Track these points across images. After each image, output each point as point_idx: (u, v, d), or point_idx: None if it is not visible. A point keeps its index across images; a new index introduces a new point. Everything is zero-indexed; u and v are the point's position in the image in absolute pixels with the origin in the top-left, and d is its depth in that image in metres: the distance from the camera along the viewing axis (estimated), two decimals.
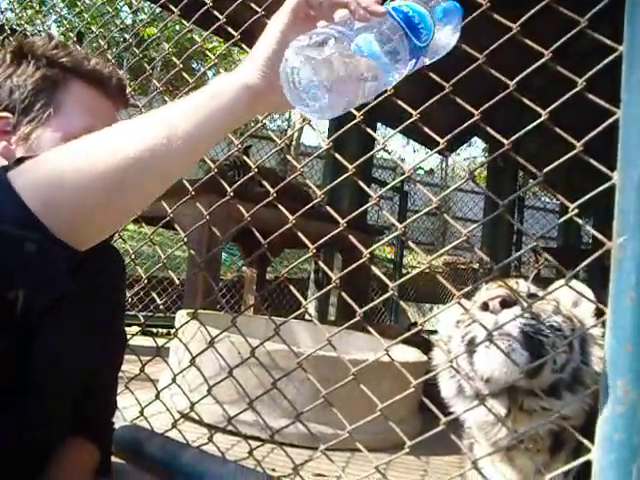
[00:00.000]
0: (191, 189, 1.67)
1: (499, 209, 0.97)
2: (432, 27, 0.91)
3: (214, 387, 1.54)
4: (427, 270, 1.18)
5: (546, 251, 1.15)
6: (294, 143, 11.75)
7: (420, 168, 13.76)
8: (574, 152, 0.89)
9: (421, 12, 0.90)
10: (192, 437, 1.58)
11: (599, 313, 1.10)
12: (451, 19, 0.95)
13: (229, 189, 1.54)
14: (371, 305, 1.28)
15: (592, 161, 0.89)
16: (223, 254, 6.02)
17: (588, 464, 1.03)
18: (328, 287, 1.53)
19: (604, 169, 0.86)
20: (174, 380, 1.64)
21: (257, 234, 1.45)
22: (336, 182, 1.43)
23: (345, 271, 1.29)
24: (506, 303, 1.04)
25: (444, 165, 15.58)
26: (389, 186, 1.81)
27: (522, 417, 1.13)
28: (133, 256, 1.95)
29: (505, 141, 0.98)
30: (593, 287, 1.11)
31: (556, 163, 0.91)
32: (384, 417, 1.15)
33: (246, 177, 1.58)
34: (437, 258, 9.67)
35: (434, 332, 1.38)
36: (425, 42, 0.90)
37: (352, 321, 1.18)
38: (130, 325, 3.30)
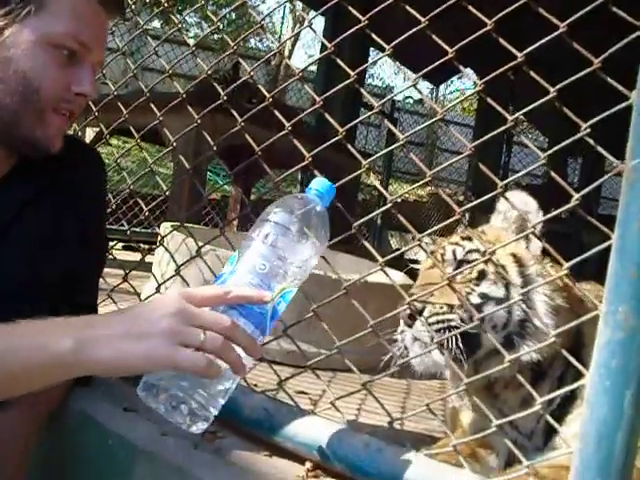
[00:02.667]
0: (182, 95, 1.60)
1: (508, 123, 0.93)
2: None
3: None
4: (411, 200, 1.16)
5: (530, 188, 1.12)
6: (284, 63, 11.52)
7: (409, 97, 13.54)
8: (592, 68, 0.84)
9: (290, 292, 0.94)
10: None
11: (543, 231, 1.09)
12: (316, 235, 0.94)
13: (220, 98, 1.47)
14: (370, 216, 1.24)
15: (609, 79, 0.85)
16: (208, 173, 5.93)
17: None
18: None
19: (622, 88, 0.82)
20: (158, 290, 1.61)
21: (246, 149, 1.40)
22: (331, 92, 1.36)
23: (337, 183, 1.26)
24: (412, 315, 1.13)
25: (434, 96, 15.36)
26: (381, 103, 1.70)
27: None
28: (117, 168, 1.89)
29: (518, 54, 0.93)
30: (577, 229, 1.09)
31: (573, 78, 0.86)
32: (369, 337, 1.14)
33: (235, 84, 1.54)
34: (422, 188, 9.64)
35: (416, 262, 1.37)
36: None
37: (346, 233, 1.15)
38: (112, 240, 3.25)
